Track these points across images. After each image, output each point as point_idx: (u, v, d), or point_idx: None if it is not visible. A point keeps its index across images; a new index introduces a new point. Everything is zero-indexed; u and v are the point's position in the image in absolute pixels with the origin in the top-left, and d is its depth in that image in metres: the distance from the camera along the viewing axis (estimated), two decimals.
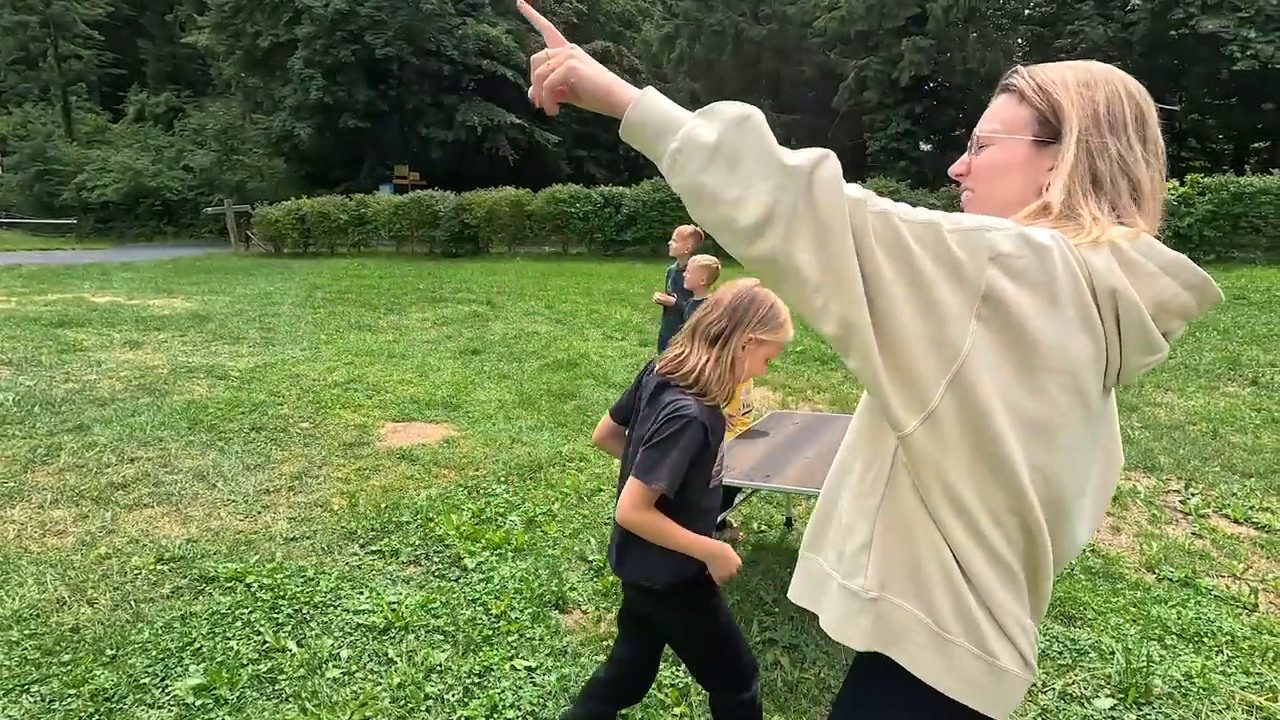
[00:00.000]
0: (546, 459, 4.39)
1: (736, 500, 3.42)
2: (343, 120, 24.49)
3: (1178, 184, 12.93)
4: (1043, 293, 0.77)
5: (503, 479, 4.09)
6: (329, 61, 23.93)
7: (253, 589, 2.88)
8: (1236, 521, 3.63)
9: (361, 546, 3.30)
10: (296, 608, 2.76)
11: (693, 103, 1.00)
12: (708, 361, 1.57)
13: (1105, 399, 0.88)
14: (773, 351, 1.65)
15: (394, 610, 2.74)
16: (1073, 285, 0.78)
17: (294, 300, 10.48)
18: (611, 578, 2.97)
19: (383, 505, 3.69)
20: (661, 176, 0.83)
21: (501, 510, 3.68)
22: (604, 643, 2.57)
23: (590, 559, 3.22)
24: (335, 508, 3.67)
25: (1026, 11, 23.27)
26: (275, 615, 2.71)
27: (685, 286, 4.40)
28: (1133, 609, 2.83)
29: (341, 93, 24.26)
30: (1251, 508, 3.75)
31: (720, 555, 1.59)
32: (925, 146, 23.09)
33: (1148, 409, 5.37)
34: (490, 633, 2.63)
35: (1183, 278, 0.84)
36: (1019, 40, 24.12)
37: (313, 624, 2.67)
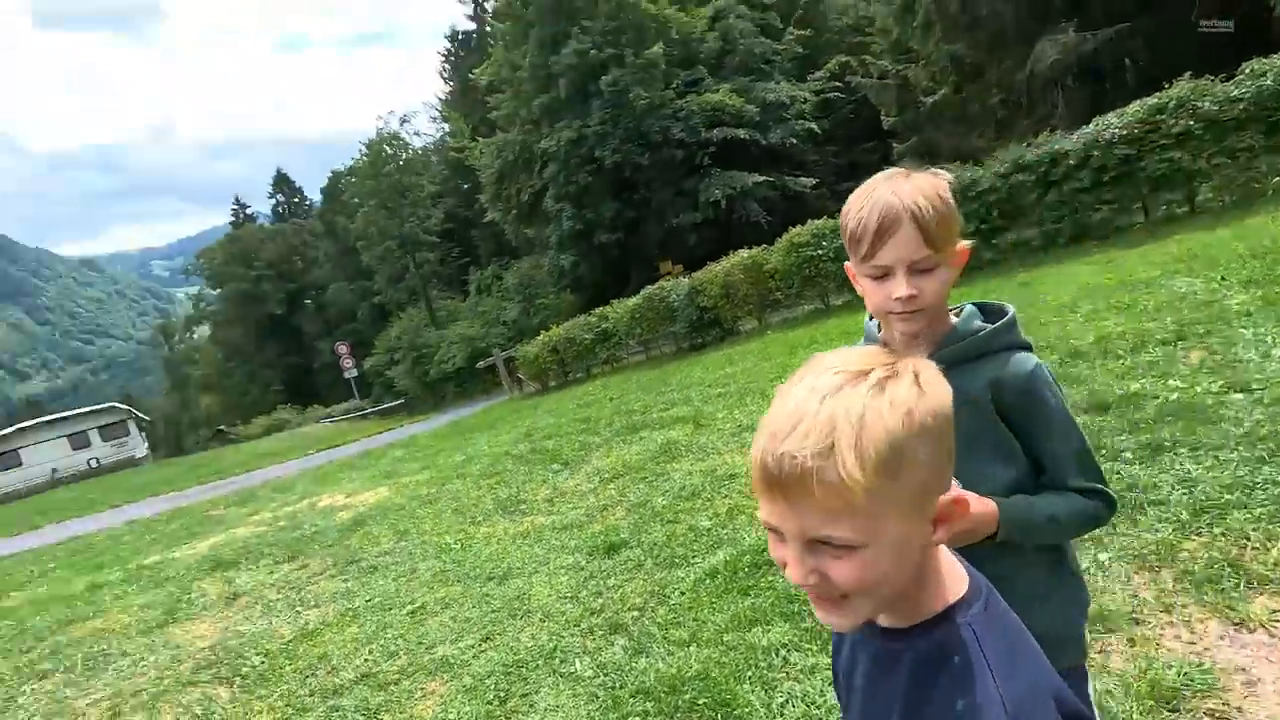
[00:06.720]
0: None
1: None
2: (596, 238, 24.74)
3: None
4: None
5: None
6: (572, 189, 24.63)
7: None
8: None
9: None
10: None
11: None
12: None
13: None
14: None
15: None
16: None
17: (483, 466, 8.65)
18: None
19: None
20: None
21: None
22: None
23: None
24: None
25: None
26: None
27: None
28: None
29: (590, 214, 24.64)
30: None
31: None
32: None
33: None
34: None
35: None
36: None
37: None
